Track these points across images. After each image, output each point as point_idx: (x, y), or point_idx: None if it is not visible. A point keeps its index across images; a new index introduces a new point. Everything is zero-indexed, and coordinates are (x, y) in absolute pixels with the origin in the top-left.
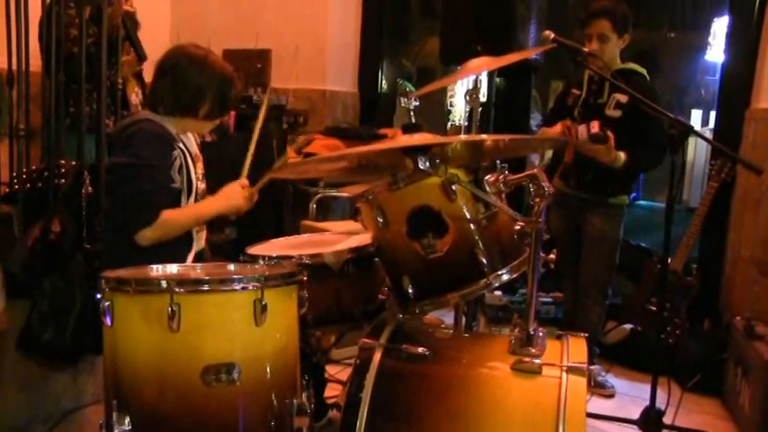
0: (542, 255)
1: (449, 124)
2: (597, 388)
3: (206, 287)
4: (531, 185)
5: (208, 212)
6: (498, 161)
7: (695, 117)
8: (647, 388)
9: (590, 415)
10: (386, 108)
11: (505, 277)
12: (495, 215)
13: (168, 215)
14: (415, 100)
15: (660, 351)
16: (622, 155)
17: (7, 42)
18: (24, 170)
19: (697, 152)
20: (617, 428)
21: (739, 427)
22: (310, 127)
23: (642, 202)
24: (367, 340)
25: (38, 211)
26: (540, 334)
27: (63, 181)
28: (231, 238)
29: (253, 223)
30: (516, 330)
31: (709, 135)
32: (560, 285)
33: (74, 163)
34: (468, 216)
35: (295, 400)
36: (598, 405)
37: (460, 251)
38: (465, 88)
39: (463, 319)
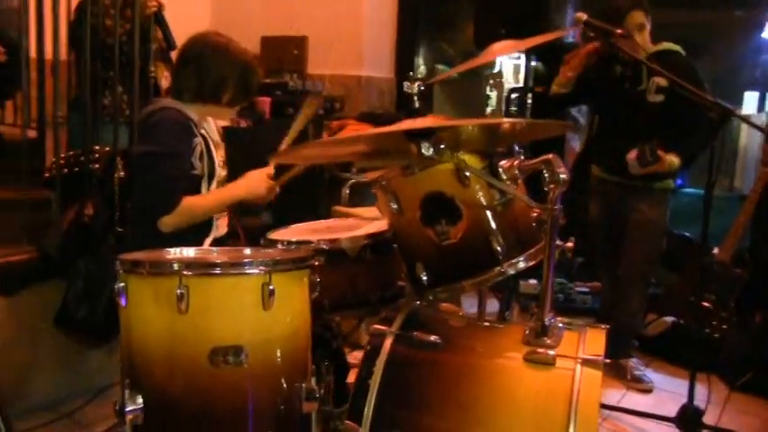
0: (560, 243)
1: (488, 109)
2: (634, 382)
3: (214, 270)
4: (545, 171)
5: (229, 197)
6: (516, 146)
7: (750, 99)
8: (688, 384)
9: (625, 410)
10: (424, 93)
11: (521, 265)
12: (511, 201)
13: (190, 201)
14: (421, 85)
15: (699, 345)
16: (675, 159)
17: (53, 32)
18: (63, 156)
19: (751, 136)
20: (653, 425)
21: None
22: (346, 113)
23: (689, 190)
24: (378, 327)
25: (75, 196)
26: (560, 325)
27: (97, 166)
28: (266, 224)
29: (288, 208)
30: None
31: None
32: (598, 275)
33: (107, 149)
34: (483, 202)
35: (304, 385)
36: (634, 400)
37: (474, 238)
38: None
39: (497, 307)
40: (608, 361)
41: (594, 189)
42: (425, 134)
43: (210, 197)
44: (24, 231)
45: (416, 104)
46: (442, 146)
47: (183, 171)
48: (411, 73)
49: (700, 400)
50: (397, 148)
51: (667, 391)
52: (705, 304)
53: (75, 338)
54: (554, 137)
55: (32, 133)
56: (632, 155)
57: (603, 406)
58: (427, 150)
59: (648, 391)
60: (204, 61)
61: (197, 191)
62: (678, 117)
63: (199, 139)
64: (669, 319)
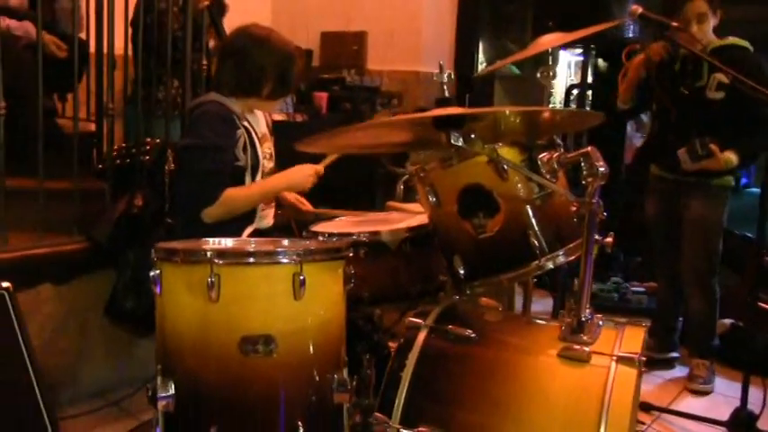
0: (599, 238)
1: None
2: (688, 382)
3: (245, 259)
4: (583, 165)
5: (272, 189)
6: (557, 138)
7: None
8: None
9: (676, 412)
10: (483, 89)
11: (561, 259)
12: (551, 195)
13: (231, 193)
14: (450, 74)
15: (757, 348)
16: (733, 157)
17: (108, 27)
18: (115, 148)
19: None
20: (705, 429)
21: None
22: (404, 108)
23: (754, 190)
24: (413, 319)
25: (126, 187)
26: (600, 323)
27: (147, 158)
28: (321, 218)
29: (344, 205)
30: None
31: None
32: (654, 275)
33: (158, 141)
34: (521, 196)
35: (336, 376)
36: (688, 403)
37: (512, 231)
38: (565, 69)
39: (550, 305)
40: (644, 359)
41: (652, 188)
42: (455, 124)
43: (252, 188)
44: (76, 221)
45: (446, 94)
46: (473, 135)
47: (224, 164)
48: (442, 62)
49: (755, 405)
50: (431, 139)
51: (723, 395)
52: (767, 307)
53: (125, 328)
54: (615, 134)
55: (92, 126)
56: (683, 149)
57: (654, 407)
58: (456, 140)
59: (705, 393)
60: (244, 54)
61: (241, 182)
62: (739, 114)
63: (242, 131)
64: (728, 321)
